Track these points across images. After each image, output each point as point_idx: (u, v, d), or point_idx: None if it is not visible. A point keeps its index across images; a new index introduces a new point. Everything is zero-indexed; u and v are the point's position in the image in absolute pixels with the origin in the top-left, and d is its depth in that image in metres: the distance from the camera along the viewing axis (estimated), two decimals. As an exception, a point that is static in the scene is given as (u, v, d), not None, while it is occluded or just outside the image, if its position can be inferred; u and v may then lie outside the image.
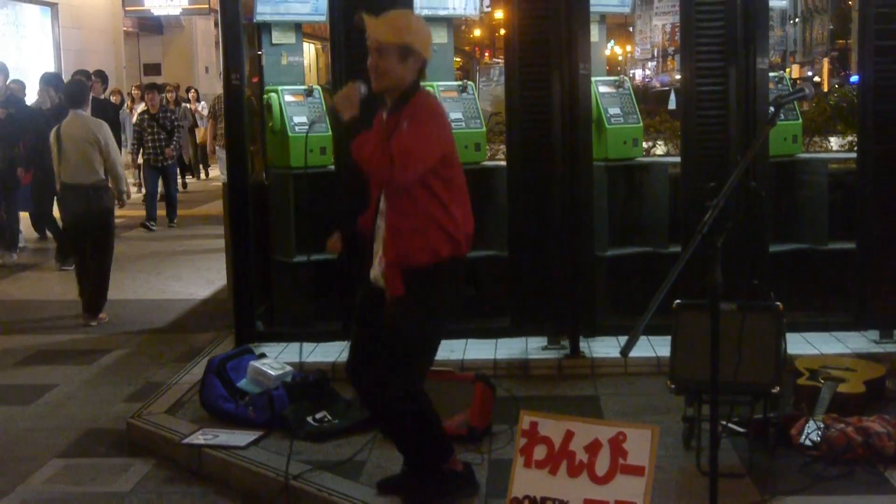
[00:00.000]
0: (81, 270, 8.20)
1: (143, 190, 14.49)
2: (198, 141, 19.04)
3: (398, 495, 4.21)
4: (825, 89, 23.22)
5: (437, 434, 4.12)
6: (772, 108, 3.58)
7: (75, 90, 8.45)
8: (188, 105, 19.40)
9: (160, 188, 13.71)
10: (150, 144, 13.26)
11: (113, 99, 15.99)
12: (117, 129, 12.64)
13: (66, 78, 12.35)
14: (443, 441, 4.15)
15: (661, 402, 5.22)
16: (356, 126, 3.88)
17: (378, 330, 4.01)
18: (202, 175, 20.16)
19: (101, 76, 13.60)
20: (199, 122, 19.14)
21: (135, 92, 19.72)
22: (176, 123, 13.61)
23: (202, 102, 20.34)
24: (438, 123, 3.93)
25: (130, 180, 14.01)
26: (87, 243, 8.08)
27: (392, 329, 3.96)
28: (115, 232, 8.41)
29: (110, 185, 8.15)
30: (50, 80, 10.66)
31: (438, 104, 4.04)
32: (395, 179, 3.78)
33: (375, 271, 4.06)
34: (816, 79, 30.71)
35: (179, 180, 16.49)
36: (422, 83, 4.01)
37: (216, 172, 18.95)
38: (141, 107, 15.20)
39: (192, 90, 20.92)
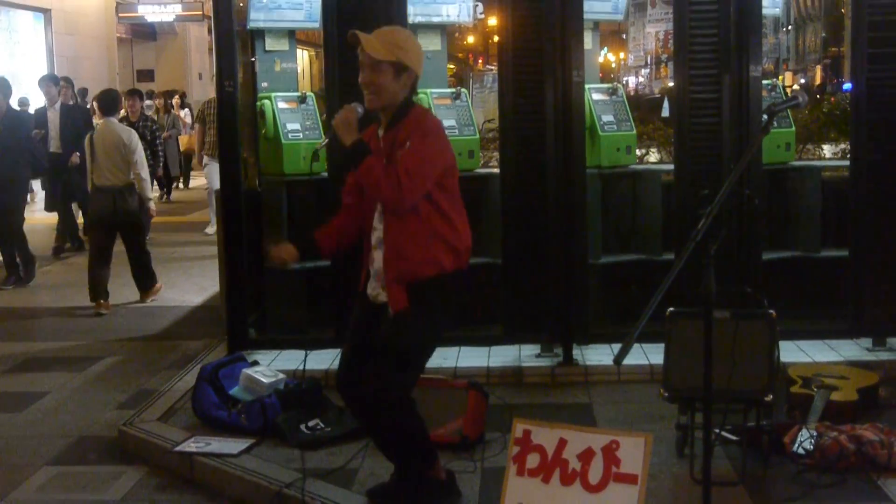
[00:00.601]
0: (96, 262, 8.77)
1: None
2: (181, 149, 17.86)
3: None
4: (818, 97, 23.26)
5: (424, 440, 4.12)
6: (765, 116, 3.59)
7: (107, 99, 9.25)
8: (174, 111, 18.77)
9: None
10: None
11: (97, 104, 15.43)
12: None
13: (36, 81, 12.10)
14: (429, 446, 4.15)
15: (654, 410, 5.21)
16: (359, 151, 3.85)
17: (375, 341, 4.01)
18: (182, 184, 19.25)
19: (69, 82, 12.99)
20: (182, 130, 18.08)
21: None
22: (157, 134, 12.81)
23: (185, 109, 19.72)
24: (440, 139, 3.96)
25: None
26: (116, 240, 8.84)
27: (391, 339, 3.96)
28: (143, 228, 9.11)
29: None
30: None
31: (437, 120, 4.07)
32: (405, 201, 3.79)
33: (373, 288, 4.06)
34: (796, 86, 30.68)
35: (157, 194, 15.87)
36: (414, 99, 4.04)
37: (198, 182, 18.43)
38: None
39: (176, 96, 19.87)
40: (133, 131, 9.16)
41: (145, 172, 8.93)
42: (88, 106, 15.13)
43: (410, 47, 3.97)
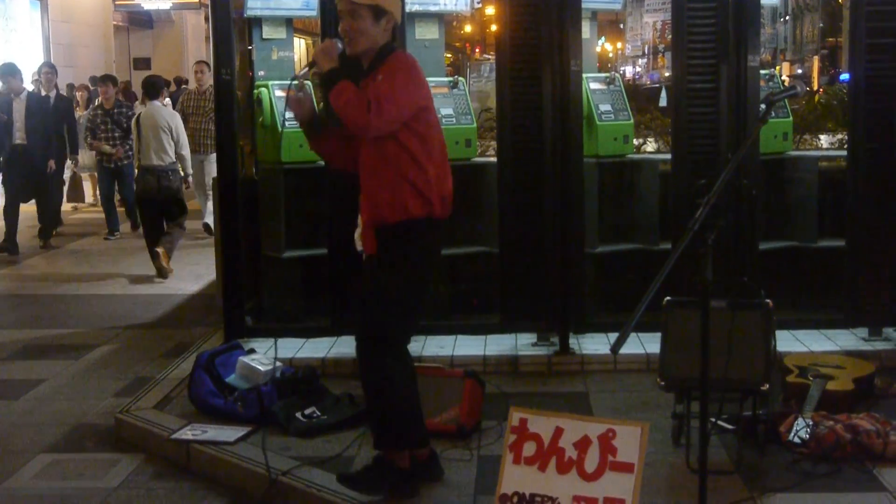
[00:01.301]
0: (150, 238, 9.65)
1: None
2: None
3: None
4: (815, 87, 23.27)
5: (408, 414, 4.14)
6: (763, 106, 3.58)
7: (150, 85, 10.02)
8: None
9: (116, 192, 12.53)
10: (102, 143, 11.69)
11: (78, 95, 15.05)
12: (73, 127, 11.98)
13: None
14: (415, 425, 4.17)
15: (650, 399, 5.22)
16: (335, 76, 3.95)
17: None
18: None
19: (52, 68, 12.63)
20: None
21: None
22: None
23: (167, 99, 19.35)
24: (413, 76, 4.00)
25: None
26: (161, 215, 9.64)
27: (368, 283, 4.07)
28: (186, 205, 9.89)
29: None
30: None
31: (414, 60, 4.10)
32: (370, 125, 3.84)
33: (356, 235, 4.24)
34: (786, 77, 30.69)
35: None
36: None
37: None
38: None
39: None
40: (176, 114, 10.12)
41: (187, 151, 9.92)
42: (98, 94, 15.05)
43: None
